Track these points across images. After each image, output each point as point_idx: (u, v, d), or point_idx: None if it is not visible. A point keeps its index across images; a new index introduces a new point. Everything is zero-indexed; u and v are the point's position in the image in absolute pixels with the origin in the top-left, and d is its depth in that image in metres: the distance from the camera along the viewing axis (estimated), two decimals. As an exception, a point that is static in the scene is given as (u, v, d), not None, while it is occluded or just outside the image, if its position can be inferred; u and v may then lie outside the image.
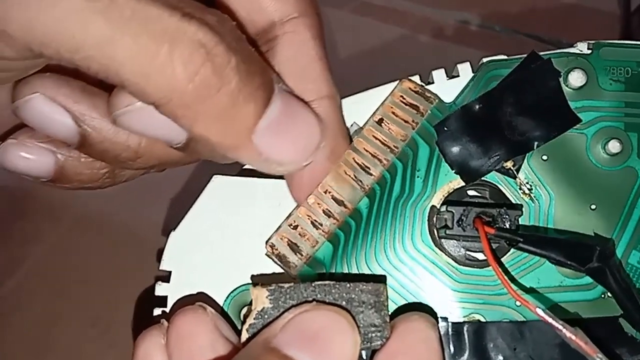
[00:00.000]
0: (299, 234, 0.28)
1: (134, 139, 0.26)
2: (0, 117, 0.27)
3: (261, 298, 0.25)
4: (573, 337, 0.25)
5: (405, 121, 0.28)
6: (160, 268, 0.30)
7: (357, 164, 0.28)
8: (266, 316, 0.25)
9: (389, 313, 0.25)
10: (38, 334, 0.46)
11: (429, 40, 0.57)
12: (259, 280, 0.29)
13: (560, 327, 0.25)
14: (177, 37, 0.21)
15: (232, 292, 0.30)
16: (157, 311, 0.30)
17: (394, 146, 0.28)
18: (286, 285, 0.25)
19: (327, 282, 0.25)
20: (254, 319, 0.25)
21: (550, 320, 0.25)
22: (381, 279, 0.29)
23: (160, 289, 0.30)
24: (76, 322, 0.46)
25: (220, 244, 0.30)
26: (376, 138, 0.28)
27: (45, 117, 0.25)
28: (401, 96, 0.29)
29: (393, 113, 0.29)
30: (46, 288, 0.48)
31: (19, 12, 0.20)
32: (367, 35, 0.57)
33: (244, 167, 0.31)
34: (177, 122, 0.23)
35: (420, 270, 0.30)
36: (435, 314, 0.29)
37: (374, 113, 0.29)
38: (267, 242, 0.28)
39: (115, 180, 0.28)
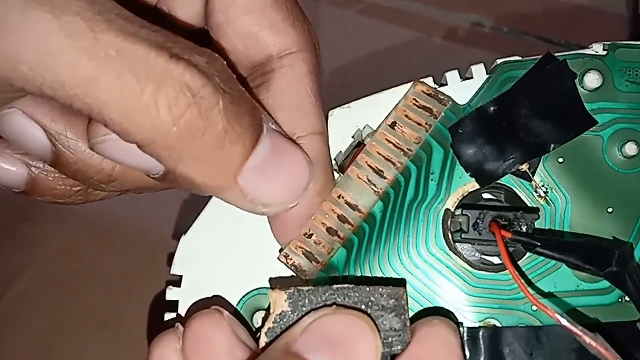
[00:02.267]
0: (315, 243, 0.27)
1: (108, 163, 0.26)
2: None
3: (280, 302, 0.24)
4: (593, 344, 0.25)
5: (419, 124, 0.28)
6: (172, 272, 0.30)
7: (371, 167, 0.28)
8: (285, 320, 0.24)
9: (409, 317, 0.25)
10: (45, 339, 0.46)
11: (437, 43, 0.57)
12: (277, 283, 0.29)
13: (580, 333, 0.25)
14: (163, 78, 0.21)
15: (244, 296, 0.29)
16: (168, 316, 0.29)
17: (407, 149, 0.28)
18: (305, 288, 0.24)
19: (346, 285, 0.25)
20: (273, 323, 0.24)
21: (569, 326, 0.25)
22: (401, 283, 0.28)
23: (172, 294, 0.30)
24: (84, 327, 0.46)
25: (231, 248, 0.30)
26: (389, 141, 0.28)
27: (22, 133, 0.25)
28: (414, 99, 0.29)
29: (406, 116, 0.28)
30: (53, 292, 0.47)
31: (4, 48, 0.20)
32: (374, 37, 0.57)
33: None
34: (161, 162, 0.23)
35: (435, 274, 0.29)
36: (456, 318, 0.29)
37: (387, 117, 0.29)
38: (280, 252, 0.28)
39: (88, 199, 0.28)
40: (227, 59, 0.25)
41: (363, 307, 0.24)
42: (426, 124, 0.28)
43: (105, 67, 0.20)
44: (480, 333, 0.29)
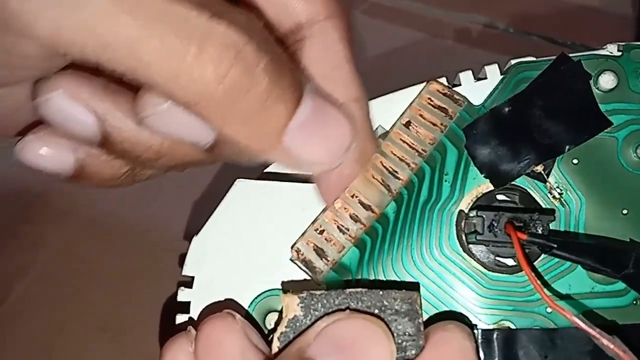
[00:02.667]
0: (325, 239, 0.27)
1: (156, 138, 0.25)
2: (19, 116, 0.27)
3: (292, 306, 0.24)
4: (611, 346, 0.25)
5: (434, 124, 0.28)
6: (183, 273, 0.29)
7: (385, 167, 0.27)
8: (298, 324, 0.24)
9: (423, 321, 0.25)
10: (46, 339, 0.45)
11: (443, 43, 0.57)
12: (289, 286, 0.28)
13: (597, 335, 0.25)
14: (205, 37, 0.21)
15: (256, 297, 0.29)
16: (179, 317, 0.29)
17: (422, 150, 0.28)
18: (318, 292, 0.24)
19: (359, 289, 0.24)
20: (285, 327, 0.24)
21: (586, 328, 0.25)
22: (414, 286, 0.28)
23: (183, 295, 0.29)
24: (84, 328, 0.46)
25: (243, 249, 0.29)
26: (404, 141, 0.28)
27: (67, 115, 0.24)
28: (429, 98, 0.28)
29: (421, 116, 0.28)
30: (54, 293, 0.47)
31: (47, 12, 0.20)
32: (379, 37, 0.57)
33: (267, 170, 0.31)
34: (207, 123, 0.23)
35: (448, 276, 0.29)
36: (470, 322, 0.29)
37: (401, 116, 0.29)
38: (292, 246, 0.28)
39: (135, 179, 0.28)
40: (262, 20, 0.24)
41: (376, 311, 0.24)
42: (441, 124, 0.28)
43: (148, 27, 0.20)
44: (494, 335, 0.29)
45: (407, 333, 0.24)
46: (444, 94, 0.28)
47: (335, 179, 0.27)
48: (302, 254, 0.27)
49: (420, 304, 0.25)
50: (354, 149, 0.25)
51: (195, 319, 0.29)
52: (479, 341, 0.28)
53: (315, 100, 0.24)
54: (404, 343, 0.24)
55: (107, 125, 0.24)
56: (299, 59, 0.26)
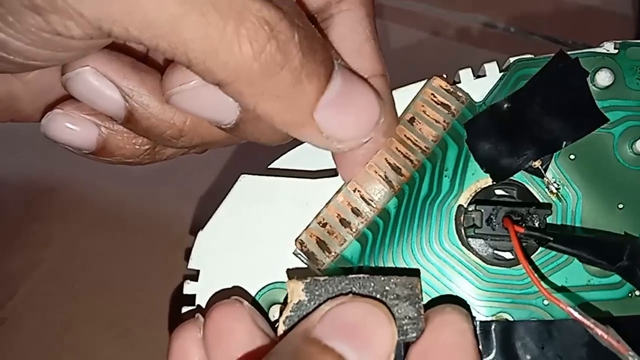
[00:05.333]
0: (328, 232, 0.28)
1: (179, 117, 0.26)
2: (47, 99, 0.28)
3: (297, 291, 0.25)
4: (605, 336, 0.25)
5: (437, 121, 0.28)
6: (189, 267, 0.30)
7: (389, 163, 0.28)
8: (302, 308, 0.25)
9: (423, 306, 0.25)
10: (53, 337, 0.46)
11: (445, 43, 0.57)
12: (294, 274, 0.29)
13: (592, 325, 0.25)
14: (242, 14, 0.21)
15: (260, 290, 0.30)
16: (185, 309, 0.30)
17: (425, 147, 0.28)
18: (321, 278, 0.25)
19: (361, 275, 0.25)
20: (291, 311, 0.25)
21: (581, 318, 0.25)
22: (415, 272, 0.29)
23: (189, 288, 0.30)
24: (91, 325, 0.46)
25: (248, 243, 0.30)
26: (408, 138, 0.28)
27: (95, 91, 0.25)
28: (432, 94, 0.29)
29: (424, 112, 0.28)
30: (61, 291, 0.47)
31: None
32: (382, 37, 0.57)
33: (271, 166, 0.31)
34: (240, 101, 0.23)
35: (448, 269, 0.30)
36: (468, 306, 0.29)
37: (405, 111, 0.29)
38: (296, 239, 0.28)
39: (155, 158, 0.28)
40: None
41: (378, 295, 0.25)
42: (444, 121, 0.28)
43: (190, 4, 0.21)
44: (492, 326, 0.29)
45: (408, 317, 0.25)
46: (447, 90, 0.29)
47: (360, 155, 0.27)
48: (306, 246, 0.28)
49: (421, 289, 0.25)
50: (382, 123, 0.26)
51: (202, 309, 0.29)
52: (478, 332, 0.29)
53: (345, 76, 0.25)
54: (405, 326, 0.25)
55: (132, 102, 0.25)
56: (328, 36, 0.27)
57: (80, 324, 0.46)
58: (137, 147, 0.27)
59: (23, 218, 0.50)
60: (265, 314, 0.30)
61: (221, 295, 0.29)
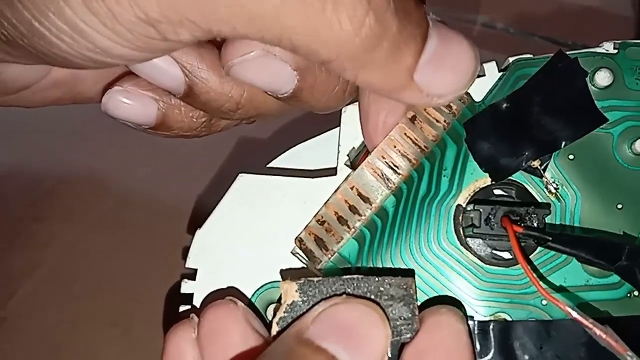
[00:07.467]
0: (326, 230, 0.28)
1: (237, 90, 0.26)
2: (108, 77, 0.29)
3: (291, 292, 0.25)
4: (603, 336, 0.25)
5: (437, 120, 0.28)
6: (186, 266, 0.30)
7: (387, 162, 0.28)
8: (296, 309, 0.25)
9: (417, 306, 0.25)
10: (55, 337, 0.46)
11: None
12: (287, 274, 0.29)
13: (590, 325, 0.25)
14: None
15: (258, 289, 0.30)
16: (182, 308, 0.30)
17: (424, 146, 0.28)
18: (315, 279, 0.25)
19: (355, 276, 0.25)
20: (284, 312, 0.25)
21: (580, 318, 0.25)
22: (409, 273, 0.29)
23: (186, 287, 0.30)
24: (94, 325, 0.46)
25: (245, 242, 0.30)
26: (408, 136, 0.28)
27: (156, 67, 0.25)
28: None
29: (426, 110, 0.28)
30: (63, 291, 0.47)
31: None
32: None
33: (269, 166, 0.31)
34: (342, 75, 0.24)
35: (446, 269, 0.30)
36: (463, 307, 0.29)
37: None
38: (296, 237, 0.28)
39: (211, 130, 0.29)
40: None
41: (372, 296, 0.25)
42: (444, 121, 0.28)
43: None
44: (491, 326, 0.29)
45: (402, 317, 0.25)
46: None
47: (383, 119, 0.28)
48: (305, 244, 0.28)
49: (415, 289, 0.25)
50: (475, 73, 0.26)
51: (198, 308, 0.29)
52: (476, 332, 0.29)
53: (439, 31, 0.25)
54: (400, 327, 0.25)
55: (192, 77, 0.26)
56: None
57: (81, 324, 0.46)
58: (195, 120, 0.28)
59: (23, 218, 0.50)
60: (262, 313, 0.30)
61: (216, 295, 0.29)
